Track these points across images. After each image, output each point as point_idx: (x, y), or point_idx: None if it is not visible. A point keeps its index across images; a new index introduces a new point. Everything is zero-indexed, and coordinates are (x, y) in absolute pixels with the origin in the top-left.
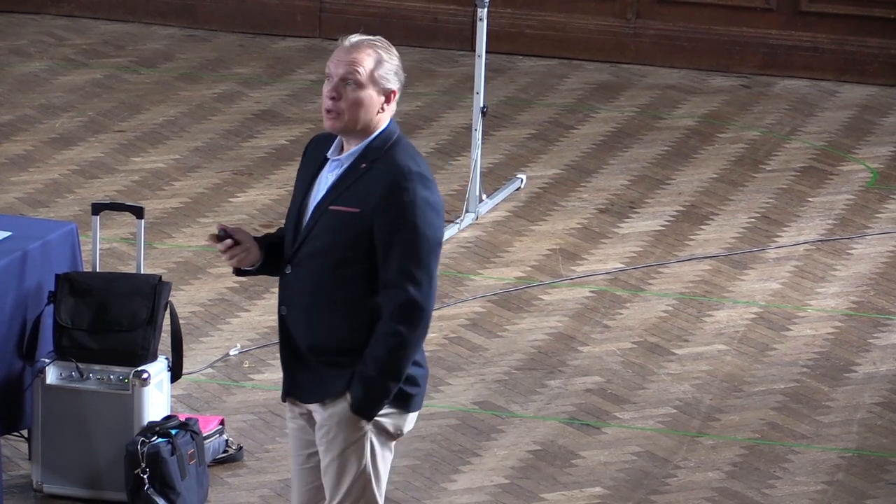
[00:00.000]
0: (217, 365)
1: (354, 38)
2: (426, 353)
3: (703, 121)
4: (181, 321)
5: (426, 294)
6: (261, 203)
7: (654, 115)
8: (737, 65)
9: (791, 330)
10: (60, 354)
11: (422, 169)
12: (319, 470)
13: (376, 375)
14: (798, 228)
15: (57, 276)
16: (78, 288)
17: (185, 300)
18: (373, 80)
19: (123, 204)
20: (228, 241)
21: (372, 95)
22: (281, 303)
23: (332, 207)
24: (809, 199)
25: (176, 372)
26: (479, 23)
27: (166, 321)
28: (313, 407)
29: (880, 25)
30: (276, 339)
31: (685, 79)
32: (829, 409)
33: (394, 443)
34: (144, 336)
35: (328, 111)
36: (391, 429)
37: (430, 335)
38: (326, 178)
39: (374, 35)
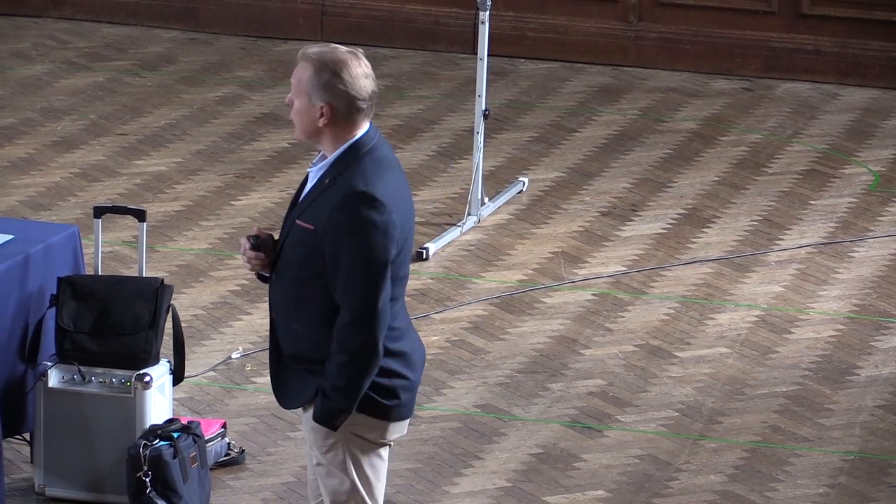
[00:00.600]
0: (219, 368)
1: (308, 48)
2: (429, 357)
3: (705, 124)
4: (183, 324)
5: (367, 316)
6: (262, 206)
7: (656, 118)
8: (739, 68)
9: (793, 333)
10: (62, 357)
11: (370, 188)
12: None
13: (330, 390)
14: (800, 231)
15: (59, 279)
16: (80, 291)
17: (187, 303)
18: (304, 91)
19: (125, 207)
20: (251, 253)
21: (306, 106)
22: (269, 308)
23: (297, 221)
24: (811, 202)
25: (178, 375)
26: (480, 26)
27: (168, 324)
28: (300, 413)
29: (882, 28)
30: None
31: (687, 82)
32: (832, 411)
33: (383, 450)
34: (146, 339)
35: (292, 120)
36: (370, 438)
37: (432, 338)
38: (306, 190)
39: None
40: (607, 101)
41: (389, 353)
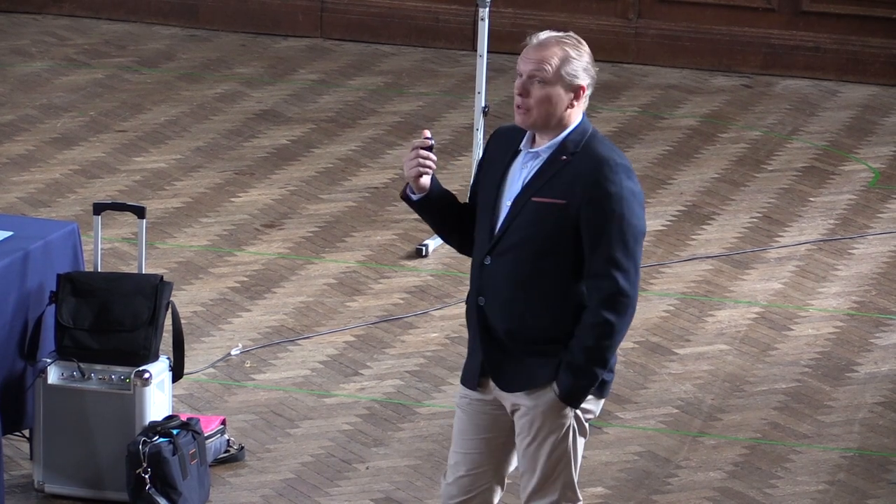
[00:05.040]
0: (218, 365)
1: (543, 35)
2: (428, 354)
3: (705, 120)
4: (182, 321)
5: (633, 283)
6: (262, 203)
7: (656, 115)
8: (738, 64)
9: (792, 330)
10: (62, 354)
11: (625, 161)
12: (489, 456)
13: (585, 364)
14: (799, 228)
15: (58, 275)
16: (79, 288)
17: (186, 300)
18: (559, 76)
19: (125, 204)
20: (423, 151)
21: (559, 92)
22: (479, 293)
23: (534, 199)
24: (811, 199)
25: (177, 372)
26: (480, 22)
27: (168, 321)
28: (516, 396)
29: (882, 25)
30: (277, 340)
31: (687, 78)
32: (831, 408)
33: (587, 425)
34: (146, 336)
35: (518, 107)
36: (587, 416)
37: (431, 335)
38: (521, 170)
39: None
40: (607, 98)
41: None
